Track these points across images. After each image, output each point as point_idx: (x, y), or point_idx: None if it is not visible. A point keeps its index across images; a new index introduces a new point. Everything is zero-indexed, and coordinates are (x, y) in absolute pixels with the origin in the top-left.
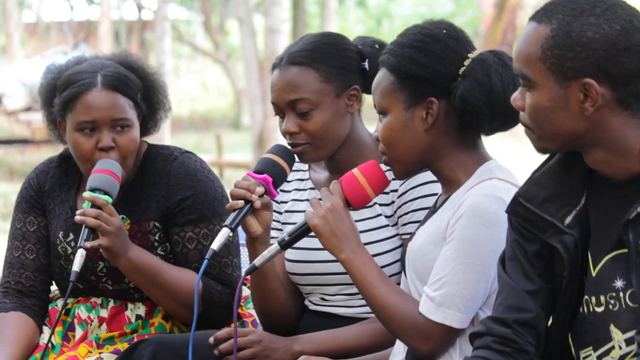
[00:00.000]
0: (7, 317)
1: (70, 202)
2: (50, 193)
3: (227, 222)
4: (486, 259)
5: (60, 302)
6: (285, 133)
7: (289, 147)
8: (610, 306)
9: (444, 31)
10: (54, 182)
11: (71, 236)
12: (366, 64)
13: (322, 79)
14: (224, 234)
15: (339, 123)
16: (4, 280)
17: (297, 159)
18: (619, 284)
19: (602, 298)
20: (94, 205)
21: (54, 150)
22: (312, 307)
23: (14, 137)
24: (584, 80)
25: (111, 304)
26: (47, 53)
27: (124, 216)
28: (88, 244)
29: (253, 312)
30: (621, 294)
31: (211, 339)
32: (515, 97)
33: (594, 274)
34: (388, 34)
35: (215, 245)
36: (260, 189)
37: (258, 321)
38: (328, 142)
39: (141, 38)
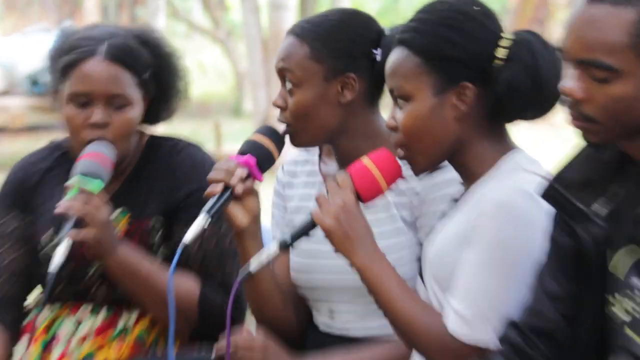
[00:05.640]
0: None
1: (62, 196)
2: (37, 186)
3: (205, 209)
4: (519, 263)
5: (39, 316)
6: (273, 105)
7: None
8: (628, 306)
9: (475, 8)
10: (43, 173)
11: None
12: (378, 53)
13: (311, 57)
14: (199, 222)
15: (325, 110)
16: None
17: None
18: (635, 280)
19: (618, 295)
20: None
21: (34, 140)
22: (320, 324)
23: None
24: None
25: (102, 314)
26: (28, 30)
27: (125, 209)
28: (74, 233)
29: None
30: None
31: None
32: (578, 87)
33: (610, 268)
34: (406, 12)
35: (189, 236)
36: (241, 171)
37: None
38: (309, 127)
39: (132, 14)
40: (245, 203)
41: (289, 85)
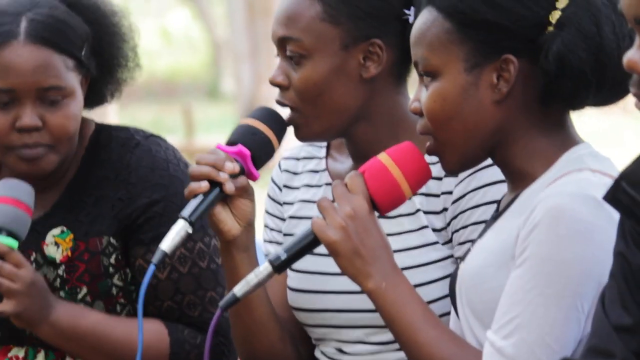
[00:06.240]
0: None
1: None
2: None
3: (185, 212)
4: (577, 286)
5: None
6: (271, 84)
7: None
8: None
9: None
10: None
11: None
12: (411, 14)
13: (324, 18)
14: (179, 229)
15: (343, 89)
16: None
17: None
18: None
19: None
20: None
21: None
22: (322, 358)
23: None
24: None
25: (40, 359)
26: None
27: (65, 229)
28: None
29: None
30: None
31: None
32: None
33: None
34: None
35: (167, 244)
36: (232, 165)
37: None
38: (322, 113)
39: None
40: (237, 206)
41: (291, 55)
